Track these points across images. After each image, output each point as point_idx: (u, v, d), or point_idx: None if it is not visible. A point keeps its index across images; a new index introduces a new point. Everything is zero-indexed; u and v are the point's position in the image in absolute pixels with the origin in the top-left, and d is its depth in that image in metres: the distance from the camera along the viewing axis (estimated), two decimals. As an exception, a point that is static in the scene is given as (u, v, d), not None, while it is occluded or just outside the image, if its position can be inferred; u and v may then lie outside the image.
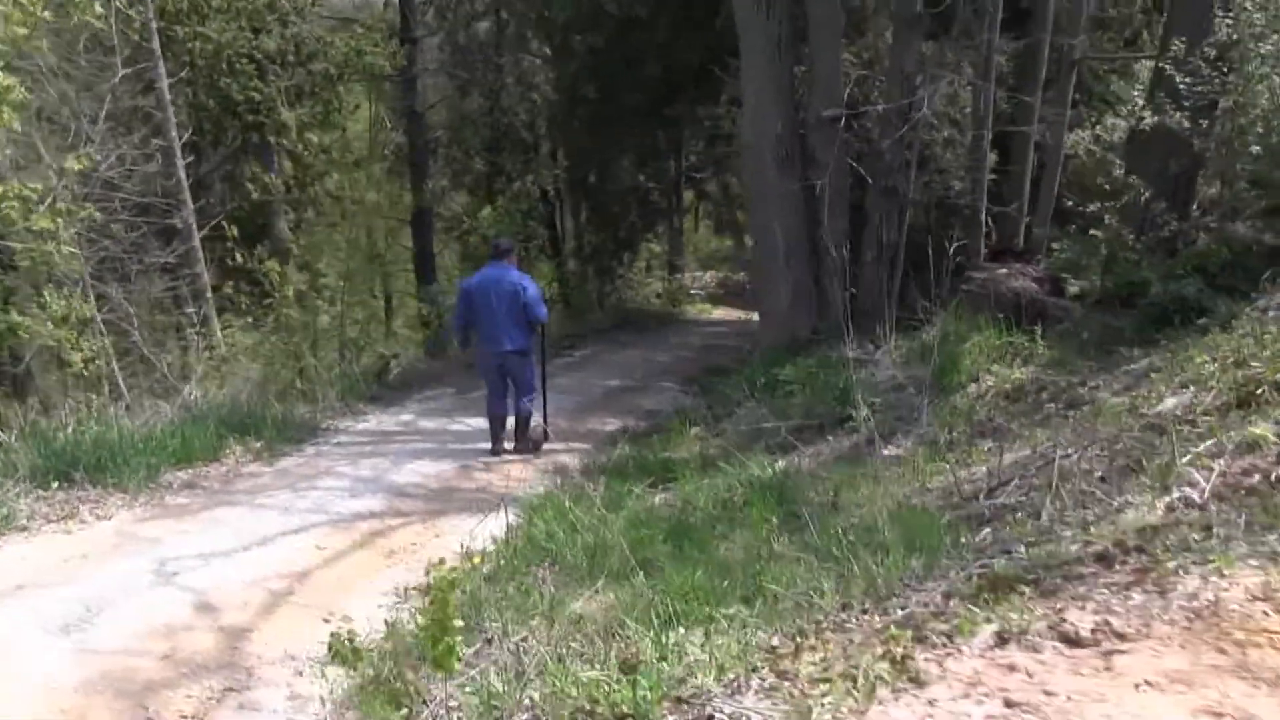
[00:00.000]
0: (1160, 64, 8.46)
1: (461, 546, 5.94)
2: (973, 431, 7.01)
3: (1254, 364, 5.16)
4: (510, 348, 8.64)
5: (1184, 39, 7.90)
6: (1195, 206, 8.57)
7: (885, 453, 7.19)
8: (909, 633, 3.07)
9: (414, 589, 5.34)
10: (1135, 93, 10.47)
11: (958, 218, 10.86)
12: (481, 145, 23.13)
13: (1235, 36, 7.46)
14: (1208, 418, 4.76)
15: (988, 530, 4.54)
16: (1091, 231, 10.55)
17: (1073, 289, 9.57)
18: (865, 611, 3.78)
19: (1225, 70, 7.47)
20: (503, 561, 5.61)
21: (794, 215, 10.02)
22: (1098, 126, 10.72)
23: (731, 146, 11.27)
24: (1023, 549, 3.91)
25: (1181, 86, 7.63)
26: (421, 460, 8.71)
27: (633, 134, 18.12)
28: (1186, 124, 7.58)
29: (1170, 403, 5.57)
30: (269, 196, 15.12)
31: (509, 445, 8.94)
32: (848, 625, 3.63)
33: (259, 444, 8.85)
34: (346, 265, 15.40)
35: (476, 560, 5.44)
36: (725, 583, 4.59)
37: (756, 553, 5.13)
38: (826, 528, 5.06)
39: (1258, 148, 6.99)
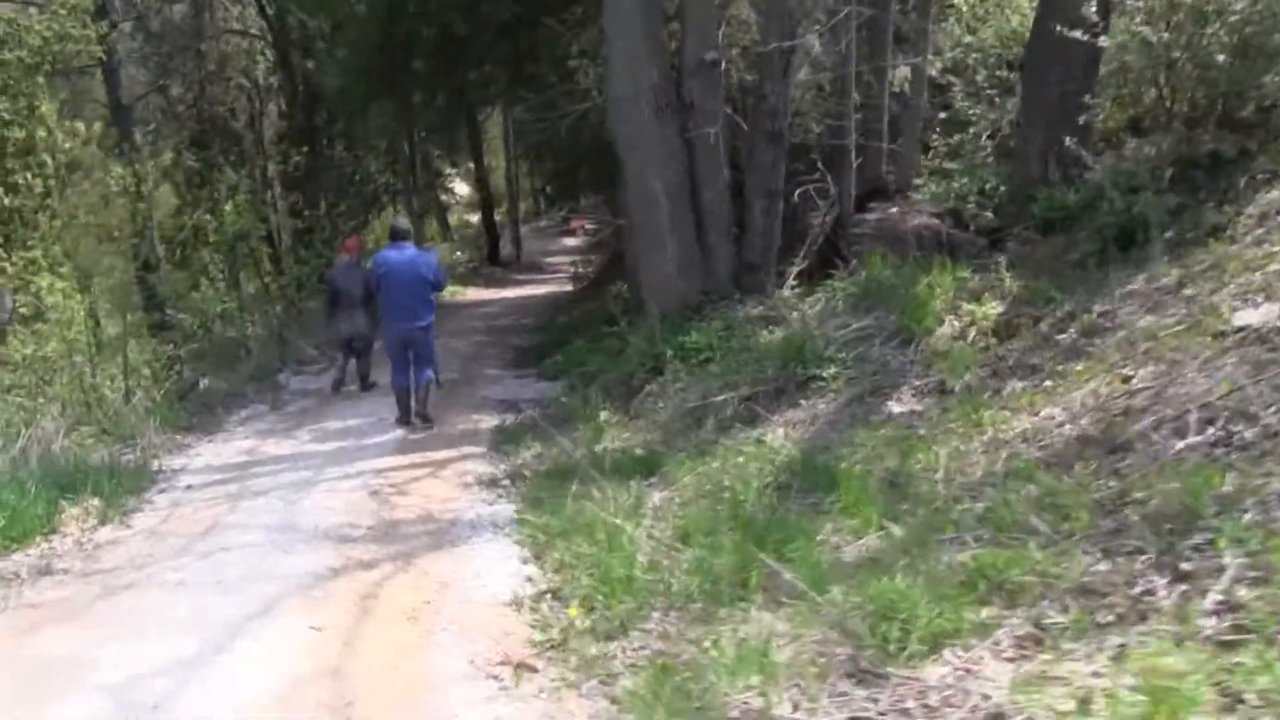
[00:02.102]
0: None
1: (515, 598, 4.74)
2: (987, 374, 6.44)
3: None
4: (420, 324, 9.01)
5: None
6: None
7: (896, 409, 6.52)
8: None
9: (500, 663, 4.10)
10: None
11: (815, 161, 10.34)
12: (188, 140, 20.65)
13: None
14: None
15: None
16: (949, 164, 10.42)
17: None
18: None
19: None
20: (605, 612, 4.40)
21: (675, 170, 9.13)
22: (959, 48, 10.43)
23: (570, 106, 10.03)
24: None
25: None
26: (316, 491, 7.23)
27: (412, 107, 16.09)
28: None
29: (1256, 314, 5.20)
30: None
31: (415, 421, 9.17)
32: None
33: (96, 502, 6.95)
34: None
35: (573, 613, 4.34)
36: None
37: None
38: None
39: (1223, 56, 6.81)
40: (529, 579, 5.12)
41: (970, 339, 7.11)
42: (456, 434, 9.00)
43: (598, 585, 4.63)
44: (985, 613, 3.58)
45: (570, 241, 33.69)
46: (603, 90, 9.96)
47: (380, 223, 25.03)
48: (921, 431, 6.02)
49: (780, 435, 6.82)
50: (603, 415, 8.41)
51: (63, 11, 15.00)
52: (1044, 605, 3.49)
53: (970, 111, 9.91)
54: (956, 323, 7.37)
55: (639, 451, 7.24)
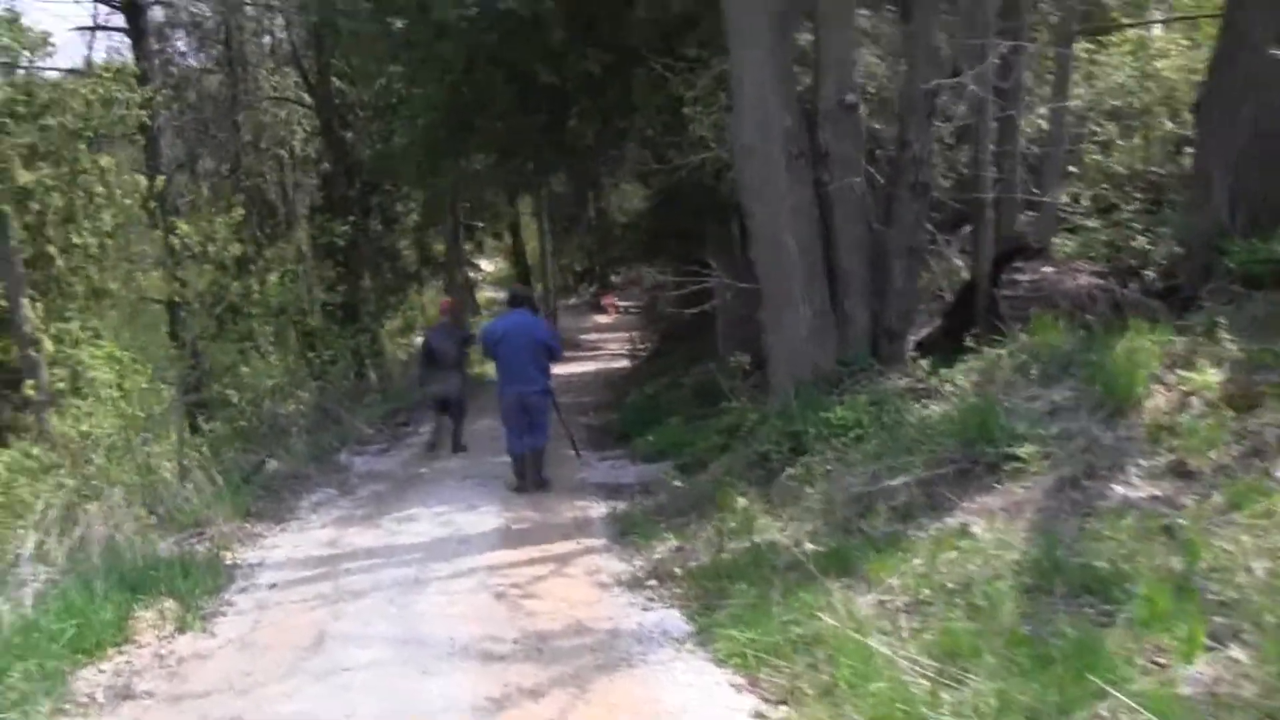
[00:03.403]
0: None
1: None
2: (1242, 453, 5.38)
3: None
4: (536, 388, 8.94)
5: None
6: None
7: (1131, 495, 5.46)
8: None
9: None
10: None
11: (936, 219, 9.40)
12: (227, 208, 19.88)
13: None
14: None
15: None
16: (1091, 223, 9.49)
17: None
18: None
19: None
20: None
21: (808, 225, 8.17)
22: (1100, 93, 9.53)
23: (680, 159, 9.08)
24: None
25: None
26: (429, 592, 6.16)
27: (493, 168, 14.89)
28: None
29: None
30: None
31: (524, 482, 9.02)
32: None
33: (171, 604, 5.88)
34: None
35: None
36: None
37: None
38: None
39: None
40: (758, 716, 4.02)
41: (1196, 411, 6.07)
42: (565, 523, 7.93)
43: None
44: None
45: (602, 319, 32.91)
46: (719, 139, 9.04)
47: (418, 299, 24.26)
48: (1182, 521, 4.96)
49: (983, 526, 5.75)
50: (740, 501, 7.35)
51: (107, 75, 14.32)
52: None
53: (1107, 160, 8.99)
54: (1169, 393, 6.33)
55: (809, 546, 6.16)
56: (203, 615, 5.87)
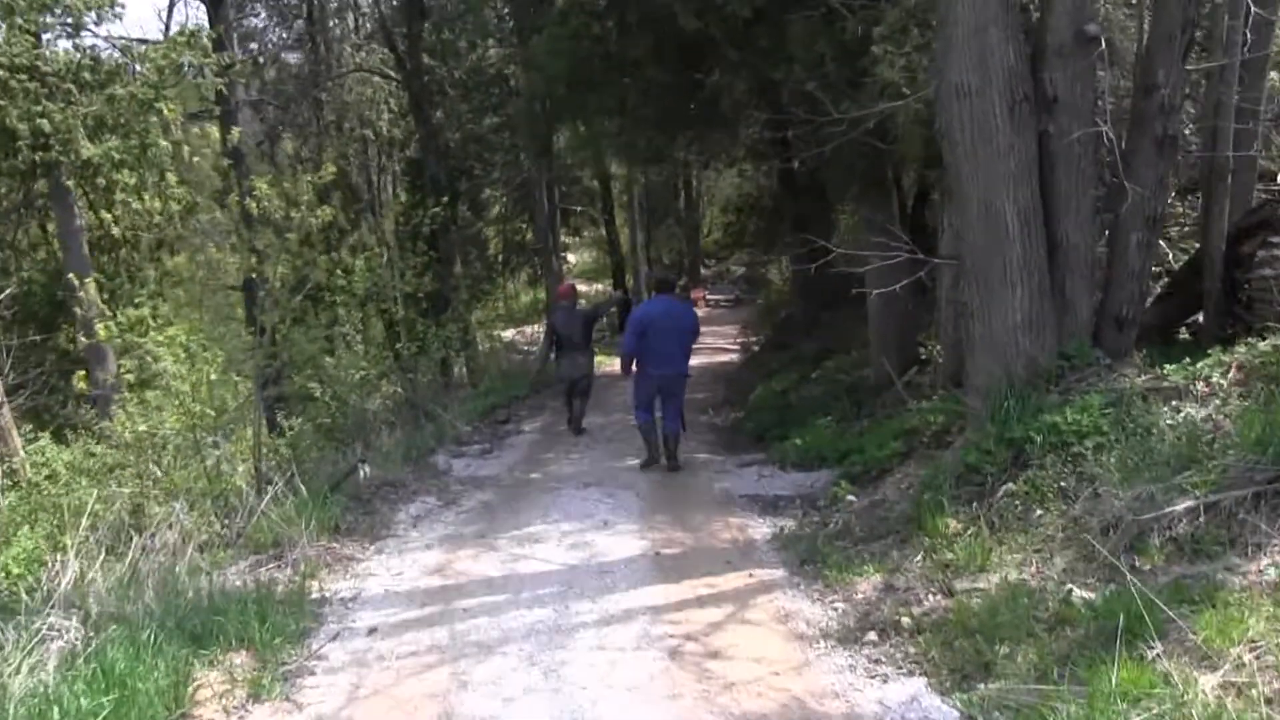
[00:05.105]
0: None
1: None
2: None
3: None
4: (679, 371, 8.95)
5: None
6: None
7: None
8: None
9: None
10: None
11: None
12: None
13: None
14: None
15: None
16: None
17: None
18: None
19: None
20: None
21: (1029, 188, 6.50)
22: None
23: (859, 109, 7.33)
24: None
25: None
26: (579, 646, 4.67)
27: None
28: None
29: None
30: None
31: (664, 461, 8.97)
32: None
33: (243, 659, 4.45)
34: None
35: None
36: None
37: None
38: None
39: None
40: None
41: None
42: (724, 546, 6.39)
43: None
44: None
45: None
46: (910, 85, 7.36)
47: (502, 291, 22.96)
48: None
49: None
50: (950, 524, 5.75)
51: (180, 40, 13.11)
52: None
53: None
54: None
55: (1078, 592, 4.54)
56: (284, 674, 4.44)
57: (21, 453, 10.22)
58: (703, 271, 34.25)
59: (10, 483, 9.69)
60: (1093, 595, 4.56)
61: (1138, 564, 4.79)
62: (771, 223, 15.73)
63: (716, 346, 21.02)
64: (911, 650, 4.46)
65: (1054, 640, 4.20)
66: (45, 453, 10.36)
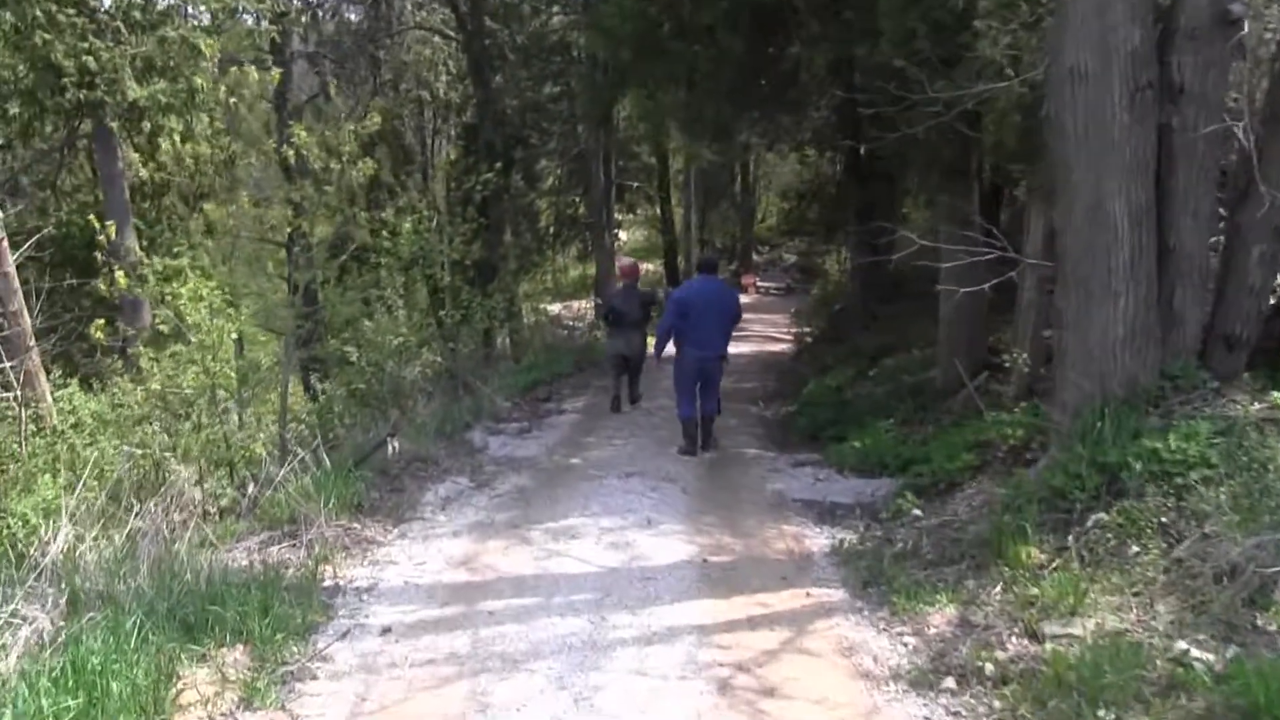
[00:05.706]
0: None
1: None
2: None
3: None
4: (718, 354, 8.77)
5: None
6: None
7: None
8: None
9: None
10: None
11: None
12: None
13: None
14: None
15: None
16: None
17: None
18: None
19: None
20: None
21: (1144, 187, 5.84)
22: None
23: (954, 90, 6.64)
24: None
25: None
26: (616, 668, 4.13)
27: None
28: None
29: None
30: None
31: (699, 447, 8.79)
32: None
33: (237, 657, 3.96)
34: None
35: None
36: None
37: None
38: None
39: None
40: None
41: None
42: (778, 557, 5.83)
43: None
44: None
45: (743, 298, 30.80)
46: (1018, 66, 6.70)
47: (551, 264, 22.44)
48: None
49: None
50: (1033, 554, 5.15)
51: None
52: None
53: None
54: None
55: (1196, 653, 3.94)
56: (282, 676, 3.93)
57: (49, 398, 9.83)
58: (755, 258, 33.54)
59: (35, 428, 9.32)
60: (1211, 656, 3.96)
61: (1259, 622, 4.19)
62: (834, 210, 15.00)
63: (766, 335, 20.40)
64: (997, 705, 3.88)
65: (1169, 709, 3.61)
66: (73, 399, 9.99)
